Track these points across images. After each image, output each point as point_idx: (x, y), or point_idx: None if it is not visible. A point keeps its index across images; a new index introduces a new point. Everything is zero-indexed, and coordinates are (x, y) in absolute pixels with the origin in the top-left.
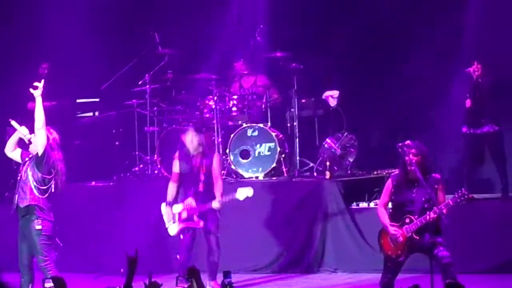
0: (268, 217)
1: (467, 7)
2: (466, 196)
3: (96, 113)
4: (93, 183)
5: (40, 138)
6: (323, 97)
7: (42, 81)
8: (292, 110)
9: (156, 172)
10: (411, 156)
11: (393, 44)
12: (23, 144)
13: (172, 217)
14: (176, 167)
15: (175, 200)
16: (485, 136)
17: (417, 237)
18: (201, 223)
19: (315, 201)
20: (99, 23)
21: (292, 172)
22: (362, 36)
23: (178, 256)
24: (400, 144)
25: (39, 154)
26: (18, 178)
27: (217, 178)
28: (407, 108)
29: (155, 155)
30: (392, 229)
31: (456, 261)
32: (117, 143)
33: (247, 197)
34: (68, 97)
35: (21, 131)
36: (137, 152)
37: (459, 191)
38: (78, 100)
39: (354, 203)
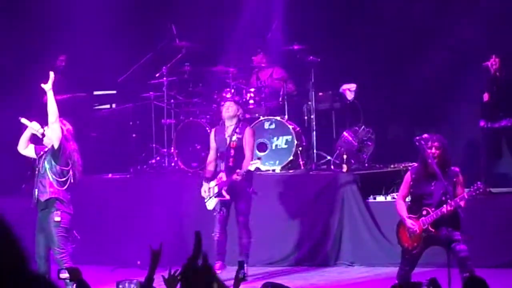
0: (284, 210)
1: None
2: (481, 190)
3: (113, 105)
4: (110, 175)
5: (55, 132)
6: (341, 90)
7: (52, 74)
8: (309, 103)
9: (173, 164)
10: (433, 149)
11: (411, 38)
12: (35, 140)
13: (208, 192)
14: (212, 141)
15: (213, 175)
16: (503, 130)
17: (433, 230)
18: (227, 196)
19: (332, 194)
20: (116, 15)
21: (309, 165)
22: (379, 30)
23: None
24: (417, 137)
25: (55, 147)
26: (36, 172)
27: (246, 152)
28: (424, 101)
29: (172, 148)
30: (409, 222)
31: (473, 255)
32: (134, 135)
33: (257, 168)
34: (85, 89)
35: (33, 127)
36: (154, 145)
37: (475, 185)
38: (95, 92)
39: (371, 197)
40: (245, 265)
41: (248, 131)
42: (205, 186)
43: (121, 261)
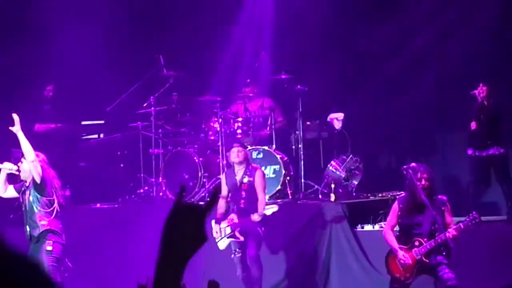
0: (272, 239)
1: (472, 31)
2: (478, 220)
3: (101, 135)
4: (98, 205)
5: (36, 168)
6: (328, 119)
7: (16, 116)
8: (297, 132)
9: (161, 194)
10: (423, 181)
11: (398, 67)
12: (12, 177)
13: (220, 233)
14: (223, 185)
15: (224, 216)
16: (491, 158)
17: (427, 260)
18: (241, 238)
19: (320, 223)
20: (104, 46)
21: (297, 194)
22: (367, 59)
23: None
24: (405, 166)
25: (38, 182)
26: (23, 209)
27: (260, 194)
28: (412, 130)
29: (160, 177)
30: (401, 254)
31: (462, 284)
32: (122, 165)
33: (273, 212)
34: (73, 119)
35: (6, 167)
36: (142, 174)
37: (470, 215)
38: (83, 122)
39: (359, 226)
40: None
41: (258, 173)
42: (216, 227)
43: None
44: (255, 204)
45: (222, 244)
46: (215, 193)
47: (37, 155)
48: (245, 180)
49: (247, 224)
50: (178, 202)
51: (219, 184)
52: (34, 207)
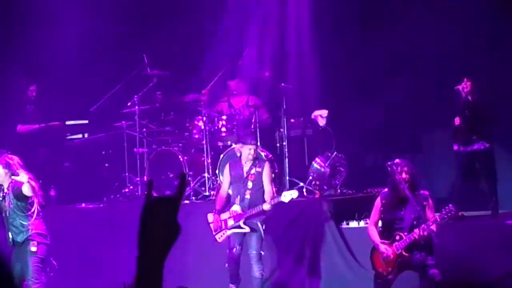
0: None
1: (454, 27)
2: (453, 212)
3: (86, 135)
4: (83, 204)
5: (28, 186)
6: (312, 116)
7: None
8: (282, 130)
9: (146, 193)
10: (403, 174)
11: (382, 63)
12: None
13: (219, 225)
14: (227, 175)
15: (223, 209)
16: (476, 153)
17: (407, 254)
18: (247, 228)
19: (305, 220)
20: (88, 45)
21: (281, 192)
22: (350, 56)
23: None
24: (389, 162)
25: (21, 194)
26: (3, 215)
27: (268, 185)
28: (397, 126)
29: (145, 176)
30: (383, 247)
31: (447, 279)
32: (106, 164)
33: (292, 199)
34: (57, 119)
35: None
36: (126, 174)
37: (447, 208)
38: (67, 122)
39: (344, 222)
40: None
41: (267, 165)
42: (215, 218)
43: None
44: (261, 195)
45: (222, 236)
46: (182, 181)
47: (11, 158)
48: (253, 171)
49: (251, 217)
50: (147, 196)
51: (184, 173)
52: (15, 213)
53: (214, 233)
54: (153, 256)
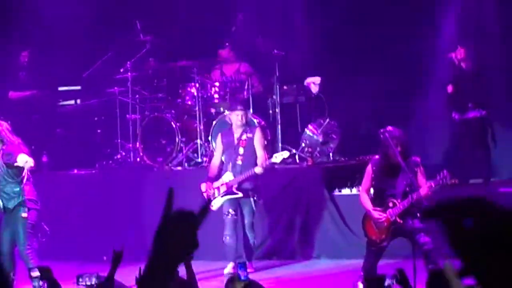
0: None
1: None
2: (448, 178)
3: (78, 101)
4: (76, 171)
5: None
6: (305, 83)
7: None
8: (274, 97)
9: (138, 159)
10: (395, 141)
11: (376, 31)
12: None
13: (212, 193)
14: (219, 144)
15: (216, 177)
16: (472, 121)
17: (401, 221)
18: (240, 194)
19: (298, 187)
20: (80, 11)
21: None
22: (344, 23)
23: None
24: (381, 130)
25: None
26: None
27: (260, 150)
28: (390, 93)
29: (137, 143)
30: (376, 214)
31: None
32: (99, 130)
33: (283, 158)
34: (49, 85)
35: None
36: (119, 140)
37: (441, 173)
38: (59, 88)
39: (337, 190)
40: (247, 264)
41: (259, 130)
42: (207, 186)
43: (87, 256)
44: (253, 161)
45: (216, 204)
46: (207, 206)
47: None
48: (244, 137)
49: (244, 181)
50: (167, 208)
51: (208, 200)
52: (5, 179)
53: (208, 201)
54: (164, 266)
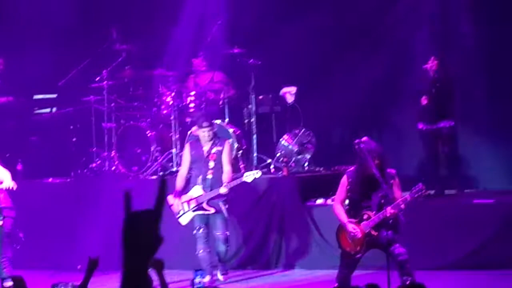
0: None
1: (422, 5)
2: (423, 191)
3: (54, 109)
4: (51, 179)
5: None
6: (281, 93)
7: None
8: (250, 106)
9: (113, 168)
10: (371, 152)
11: (351, 41)
12: None
13: (182, 207)
14: (187, 155)
15: (184, 190)
16: (440, 131)
17: (375, 233)
18: (212, 210)
19: (273, 197)
20: (56, 18)
21: (249, 168)
22: (319, 33)
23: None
24: (356, 140)
25: None
26: None
27: (226, 165)
28: (365, 104)
29: (113, 151)
30: (351, 226)
31: (412, 258)
32: (74, 139)
33: (255, 179)
34: (25, 93)
35: None
36: (94, 148)
37: (416, 186)
38: (35, 96)
39: (311, 200)
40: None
41: (227, 144)
42: (177, 201)
43: (61, 265)
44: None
45: (186, 218)
46: (162, 191)
47: None
48: (214, 150)
49: (214, 197)
50: (126, 210)
51: (164, 177)
52: None
53: (176, 216)
54: (137, 263)
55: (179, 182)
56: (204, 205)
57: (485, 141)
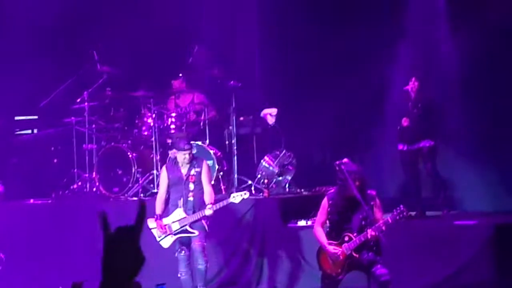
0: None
1: (403, 22)
2: (405, 213)
3: (35, 131)
4: (32, 200)
5: None
6: (262, 115)
7: None
8: (230, 127)
9: (94, 189)
10: (352, 175)
11: (333, 62)
12: None
13: (164, 230)
14: (164, 178)
15: (164, 213)
16: (420, 151)
17: (357, 255)
18: (196, 232)
19: (253, 219)
20: (37, 40)
21: (230, 190)
22: (300, 55)
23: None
24: (337, 162)
25: None
26: None
27: (207, 185)
28: (346, 126)
29: (94, 173)
30: (331, 248)
31: (394, 279)
32: (55, 160)
33: (243, 199)
34: (6, 114)
35: None
36: (75, 170)
37: (398, 208)
38: (16, 118)
39: (292, 221)
40: None
41: (205, 164)
42: (157, 223)
43: (43, 286)
44: (203, 196)
45: (167, 242)
46: (142, 209)
47: None
48: (193, 172)
49: (198, 218)
50: (104, 230)
51: (143, 200)
52: None
53: (158, 239)
54: (117, 285)
55: (159, 205)
56: (188, 228)
57: (466, 161)
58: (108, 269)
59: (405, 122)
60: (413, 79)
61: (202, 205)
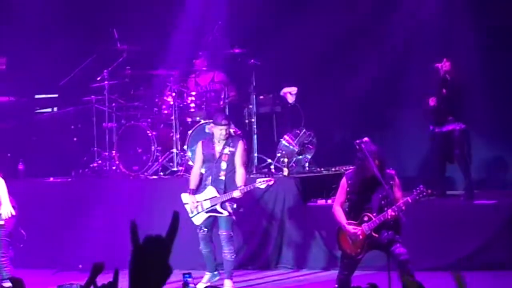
0: None
1: (428, 7)
2: (425, 193)
3: (55, 109)
4: (52, 179)
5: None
6: (281, 93)
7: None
8: (250, 106)
9: (114, 168)
10: (372, 154)
11: (353, 40)
12: None
13: (196, 206)
14: (199, 154)
15: (198, 189)
16: (451, 134)
17: (376, 235)
18: (225, 213)
19: (273, 198)
20: (58, 19)
21: (250, 168)
22: (321, 32)
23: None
24: (357, 141)
25: None
26: None
27: (240, 167)
28: (367, 104)
29: (114, 151)
30: (351, 228)
31: (414, 258)
32: (75, 139)
33: (268, 185)
34: (26, 92)
35: None
36: (95, 148)
37: (418, 188)
38: (36, 96)
39: (312, 200)
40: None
41: (241, 144)
42: (190, 199)
43: (63, 264)
44: (235, 176)
45: (199, 219)
46: (175, 221)
47: None
48: (226, 150)
49: (228, 199)
50: (134, 241)
51: (177, 211)
52: None
53: (191, 215)
54: None
55: (193, 180)
56: (218, 207)
57: (491, 143)
58: (134, 279)
59: (431, 101)
60: (445, 59)
61: (232, 185)
